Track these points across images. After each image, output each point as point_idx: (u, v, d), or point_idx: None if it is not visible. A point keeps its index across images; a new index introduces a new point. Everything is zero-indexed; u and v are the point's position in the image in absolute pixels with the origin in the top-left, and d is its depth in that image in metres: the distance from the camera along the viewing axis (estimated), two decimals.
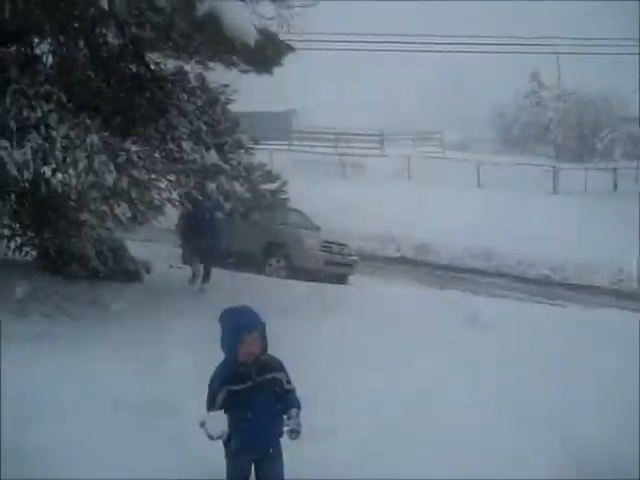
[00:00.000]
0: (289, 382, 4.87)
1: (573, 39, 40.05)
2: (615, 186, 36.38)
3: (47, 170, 9.01)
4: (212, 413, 4.56)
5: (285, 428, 4.71)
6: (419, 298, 15.46)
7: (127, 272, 12.92)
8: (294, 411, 4.73)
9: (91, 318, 9.89)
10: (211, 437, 4.53)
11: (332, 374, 7.38)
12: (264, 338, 4.75)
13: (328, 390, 6.87)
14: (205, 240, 14.63)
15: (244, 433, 4.66)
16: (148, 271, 13.65)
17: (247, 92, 13.15)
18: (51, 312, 9.99)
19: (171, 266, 16.17)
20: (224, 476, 4.80)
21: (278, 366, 4.87)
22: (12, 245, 12.04)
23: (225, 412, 4.60)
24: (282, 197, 12.95)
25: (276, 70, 12.39)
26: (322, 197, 27.61)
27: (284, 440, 4.79)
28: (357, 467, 5.51)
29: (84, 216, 11.47)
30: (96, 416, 6.02)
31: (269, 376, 4.76)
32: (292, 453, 4.92)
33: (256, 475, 4.87)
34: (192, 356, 7.52)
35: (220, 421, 4.51)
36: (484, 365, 8.55)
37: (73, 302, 10.68)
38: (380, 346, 9.05)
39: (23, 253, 12.25)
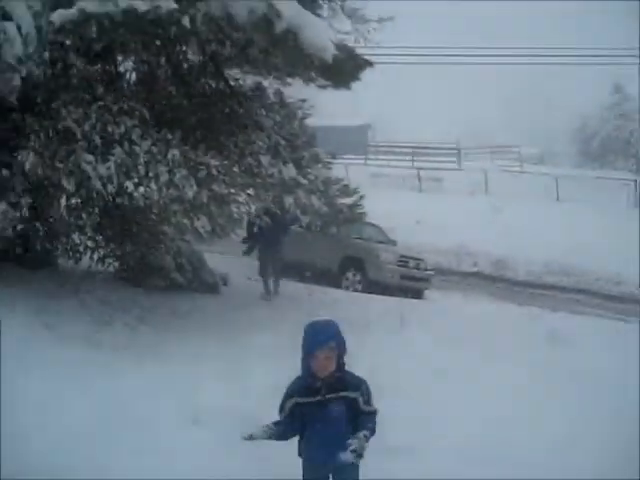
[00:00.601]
0: (367, 403, 4.77)
1: None
2: None
3: (130, 184, 9.24)
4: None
5: (350, 448, 4.68)
6: (497, 313, 15.27)
7: (205, 284, 13.12)
8: (362, 433, 4.60)
9: (172, 329, 10.06)
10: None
11: (410, 389, 7.35)
12: (340, 355, 4.73)
13: (406, 406, 6.83)
14: (273, 254, 15.54)
15: (313, 446, 4.70)
16: (225, 283, 13.84)
17: (323, 106, 13.24)
18: (133, 322, 10.20)
19: (249, 278, 16.32)
20: None
21: (355, 385, 4.77)
22: (95, 257, 12.33)
23: (295, 422, 4.66)
24: (359, 211, 12.94)
25: (353, 84, 12.46)
26: (399, 211, 27.53)
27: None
28: None
29: (164, 229, 11.73)
30: (180, 429, 6.10)
31: (341, 394, 4.75)
32: (370, 470, 4.91)
33: None
34: (270, 369, 7.61)
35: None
36: (563, 380, 8.39)
37: (154, 313, 10.90)
38: (459, 361, 8.97)
39: (105, 264, 12.54)
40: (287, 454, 4.66)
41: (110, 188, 9.08)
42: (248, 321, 10.84)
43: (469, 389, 7.76)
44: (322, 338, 4.68)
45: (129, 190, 9.27)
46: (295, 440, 4.73)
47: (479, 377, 8.26)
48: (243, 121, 11.75)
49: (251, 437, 4.62)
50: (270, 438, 4.64)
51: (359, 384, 4.79)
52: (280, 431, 4.66)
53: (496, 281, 24.42)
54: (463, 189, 35.90)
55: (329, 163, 12.87)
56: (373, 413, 4.77)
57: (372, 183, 33.14)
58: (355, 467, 4.82)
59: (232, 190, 9.96)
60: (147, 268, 12.45)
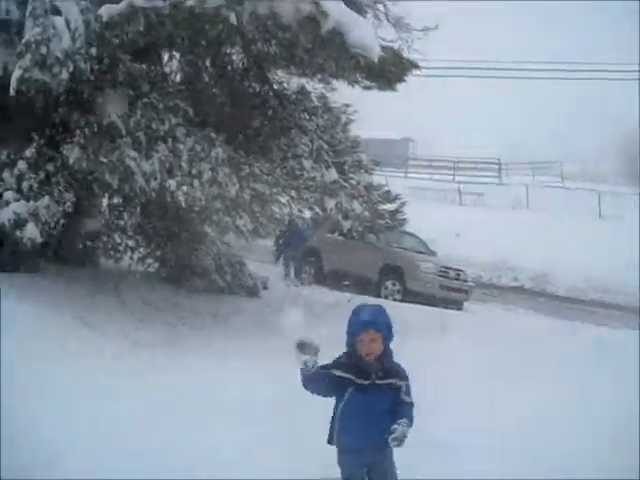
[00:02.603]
0: (408, 394, 4.71)
1: None
2: None
3: (172, 183, 9.24)
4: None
5: (391, 435, 4.60)
6: (537, 325, 15.02)
7: (245, 287, 13.06)
8: (404, 420, 4.53)
9: (213, 330, 10.02)
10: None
11: (450, 391, 7.21)
12: (387, 341, 4.65)
13: (446, 408, 6.70)
14: (293, 258, 20.03)
15: (353, 433, 4.57)
16: (265, 287, 13.75)
17: (364, 118, 13.15)
18: (174, 322, 10.17)
19: (288, 285, 16.27)
20: None
21: (402, 374, 4.71)
22: (135, 256, 12.35)
23: (329, 390, 4.56)
24: (400, 218, 12.83)
25: (394, 97, 12.39)
26: (439, 224, 27.28)
27: (402, 452, 4.69)
28: None
29: (205, 229, 11.72)
30: (226, 424, 6.02)
31: (391, 381, 4.66)
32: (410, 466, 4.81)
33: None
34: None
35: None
36: (598, 393, 8.16)
37: (195, 313, 10.86)
38: (499, 367, 8.79)
39: (145, 265, 12.55)
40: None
41: (153, 184, 9.08)
42: (289, 325, 10.73)
43: (509, 392, 7.58)
44: (368, 319, 4.59)
45: (171, 189, 9.28)
46: None
47: (517, 383, 8.09)
48: (286, 124, 11.73)
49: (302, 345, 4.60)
50: (309, 365, 4.54)
51: (405, 374, 4.71)
52: (318, 375, 4.53)
53: (536, 295, 24.10)
54: (504, 203, 35.63)
55: (372, 169, 12.79)
56: (411, 404, 4.68)
57: (412, 196, 32.91)
58: (392, 459, 4.74)
59: (274, 190, 9.92)
60: (187, 269, 12.45)
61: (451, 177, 43.64)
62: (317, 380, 4.55)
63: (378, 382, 4.56)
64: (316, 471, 4.70)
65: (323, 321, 11.53)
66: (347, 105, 12.64)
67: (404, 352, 8.24)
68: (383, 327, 4.63)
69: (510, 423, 6.55)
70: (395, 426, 4.40)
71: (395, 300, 17.71)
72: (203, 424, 5.99)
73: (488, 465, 5.69)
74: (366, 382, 4.55)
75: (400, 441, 4.42)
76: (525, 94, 53.34)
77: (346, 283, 18.97)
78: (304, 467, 5.03)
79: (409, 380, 4.70)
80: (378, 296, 17.62)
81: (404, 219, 12.84)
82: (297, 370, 4.54)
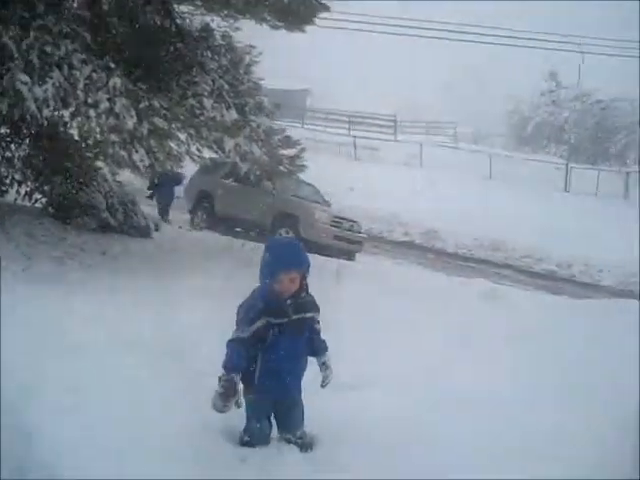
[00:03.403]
0: (319, 322, 4.70)
1: (595, 39, 39.60)
2: (627, 190, 36.00)
3: (66, 113, 8.82)
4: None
5: (324, 381, 4.62)
6: (427, 278, 15.24)
7: (137, 227, 12.65)
8: (327, 355, 4.67)
9: (101, 267, 9.68)
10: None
11: (349, 330, 7.18)
12: (305, 277, 4.54)
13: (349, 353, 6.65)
14: (167, 199, 20.01)
15: (270, 373, 4.46)
16: (157, 229, 13.41)
17: (263, 68, 12.88)
18: (60, 257, 9.78)
19: (180, 227, 16.00)
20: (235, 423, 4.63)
21: (316, 305, 4.67)
22: (22, 191, 11.82)
23: (258, 344, 4.41)
24: (300, 164, 12.67)
25: (292, 48, 12.17)
26: (334, 176, 27.31)
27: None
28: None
29: (98, 165, 11.28)
30: (109, 355, 5.80)
31: (307, 315, 4.56)
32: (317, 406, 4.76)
33: (277, 423, 4.68)
34: (200, 308, 7.48)
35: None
36: (493, 340, 8.31)
37: (83, 250, 10.47)
38: (395, 309, 8.84)
39: (33, 200, 12.02)
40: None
41: (46, 112, 8.61)
42: (181, 266, 10.52)
43: (405, 341, 7.61)
44: (289, 259, 4.47)
45: (65, 119, 8.85)
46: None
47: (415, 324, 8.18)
48: (188, 62, 11.31)
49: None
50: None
51: (316, 303, 4.68)
52: (242, 356, 4.37)
53: (426, 251, 24.52)
54: (398, 160, 36.03)
55: (272, 113, 12.55)
56: (320, 333, 4.74)
57: (308, 148, 32.74)
58: (300, 397, 4.69)
59: (173, 126, 9.58)
60: (77, 206, 11.96)
61: (347, 131, 43.72)
62: (248, 350, 4.40)
63: (295, 317, 4.49)
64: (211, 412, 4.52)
65: (216, 264, 11.40)
66: (251, 46, 12.32)
67: None
68: (304, 266, 4.52)
69: (406, 367, 6.57)
70: (325, 373, 4.60)
71: None
72: (85, 357, 5.73)
73: (393, 401, 5.68)
74: (284, 320, 4.44)
75: (328, 379, 4.64)
76: (427, 54, 53.68)
77: (238, 229, 18.82)
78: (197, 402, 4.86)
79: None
80: None
81: (303, 165, 12.69)
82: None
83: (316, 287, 4.73)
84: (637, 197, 33.93)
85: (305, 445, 4.69)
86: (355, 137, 39.82)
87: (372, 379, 6.17)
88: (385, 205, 27.67)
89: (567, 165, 37.03)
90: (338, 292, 9.57)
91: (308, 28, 12.36)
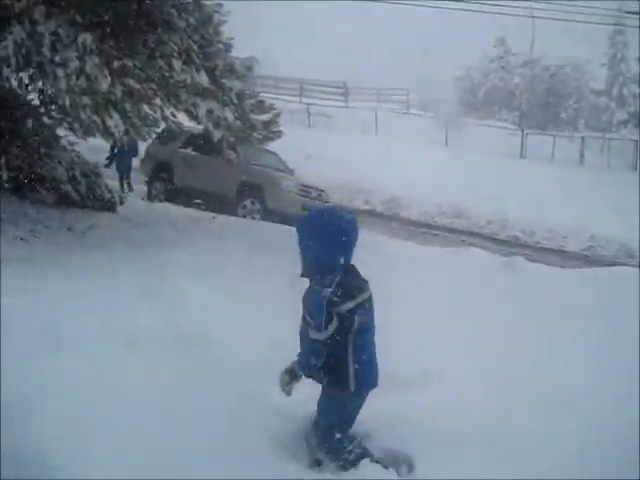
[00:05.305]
0: None
1: (548, 2, 39.16)
2: (582, 155, 35.89)
3: (25, 77, 7.94)
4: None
5: None
6: (395, 247, 14.60)
7: (101, 200, 11.77)
8: None
9: (71, 245, 8.83)
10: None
11: None
12: None
13: None
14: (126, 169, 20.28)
15: (370, 362, 3.95)
16: (122, 202, 12.53)
17: None
18: (26, 236, 8.89)
19: (143, 199, 15.15)
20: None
21: None
22: None
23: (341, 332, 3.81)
24: (276, 129, 11.93)
25: (239, 17, 11.43)
26: (289, 144, 26.45)
27: None
28: None
29: (60, 132, 10.37)
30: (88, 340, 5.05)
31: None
32: None
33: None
34: (177, 282, 6.95)
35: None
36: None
37: (47, 227, 9.60)
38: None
39: None
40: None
41: (6, 72, 7.74)
42: (157, 239, 9.73)
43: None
44: (356, 231, 3.88)
45: (25, 82, 7.96)
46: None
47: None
48: (153, 19, 10.44)
49: None
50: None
51: None
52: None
53: (390, 220, 23.93)
54: (353, 127, 35.33)
55: (244, 76, 11.75)
56: None
57: None
58: None
59: (147, 88, 8.74)
60: (36, 179, 11.03)
61: (297, 98, 42.88)
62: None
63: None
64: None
65: (187, 236, 10.66)
66: (219, 4, 11.49)
67: (273, 273, 7.65)
68: None
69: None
70: None
71: (254, 219, 16.85)
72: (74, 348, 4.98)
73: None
74: (369, 294, 3.92)
75: None
76: (376, 21, 52.96)
77: (198, 201, 17.99)
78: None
79: None
80: (236, 215, 16.70)
81: (279, 131, 11.97)
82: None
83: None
84: (591, 162, 34.11)
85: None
86: (308, 105, 39.02)
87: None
88: (344, 173, 27.01)
89: (523, 131, 36.74)
90: None
91: None
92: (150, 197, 18.62)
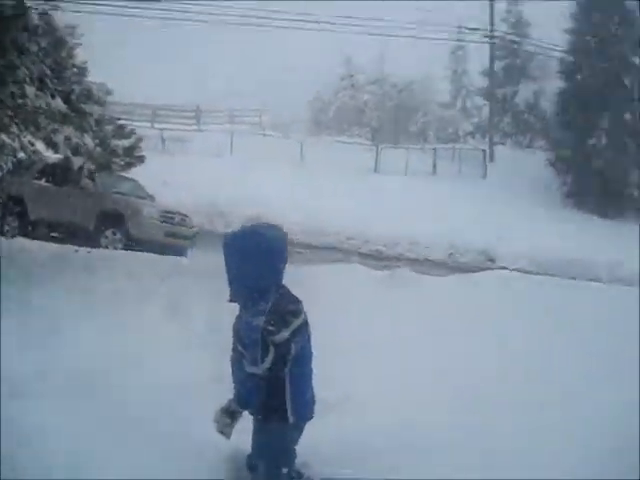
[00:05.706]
0: None
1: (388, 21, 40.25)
2: (434, 166, 36.95)
3: None
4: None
5: None
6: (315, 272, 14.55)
7: None
8: None
9: None
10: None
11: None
12: None
13: None
14: None
15: (305, 394, 3.82)
16: None
17: None
18: None
19: None
20: None
21: None
22: None
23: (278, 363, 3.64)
24: (138, 154, 11.65)
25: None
26: (145, 170, 26.04)
27: None
28: None
29: None
30: None
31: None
32: None
33: None
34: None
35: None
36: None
37: None
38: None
39: None
40: None
41: None
42: (23, 278, 9.25)
43: None
44: (285, 250, 3.76)
45: None
46: None
47: None
48: (2, 43, 10.01)
49: None
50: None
51: None
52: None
53: None
54: (209, 150, 35.07)
55: (103, 101, 11.45)
56: None
57: None
58: None
59: (5, 115, 8.34)
60: None
61: (149, 123, 42.21)
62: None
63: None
64: None
65: (58, 273, 10.20)
66: (73, 27, 11.15)
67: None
68: None
69: None
70: None
71: (116, 249, 16.38)
72: None
73: None
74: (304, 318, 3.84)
75: None
76: (231, 45, 52.94)
77: (54, 235, 17.30)
78: None
79: None
80: (98, 246, 16.17)
81: (142, 156, 11.72)
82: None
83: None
84: (443, 172, 35.20)
85: None
86: (162, 130, 38.50)
87: None
88: (201, 197, 26.77)
89: (377, 146, 37.53)
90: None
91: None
92: (3, 233, 17.74)
